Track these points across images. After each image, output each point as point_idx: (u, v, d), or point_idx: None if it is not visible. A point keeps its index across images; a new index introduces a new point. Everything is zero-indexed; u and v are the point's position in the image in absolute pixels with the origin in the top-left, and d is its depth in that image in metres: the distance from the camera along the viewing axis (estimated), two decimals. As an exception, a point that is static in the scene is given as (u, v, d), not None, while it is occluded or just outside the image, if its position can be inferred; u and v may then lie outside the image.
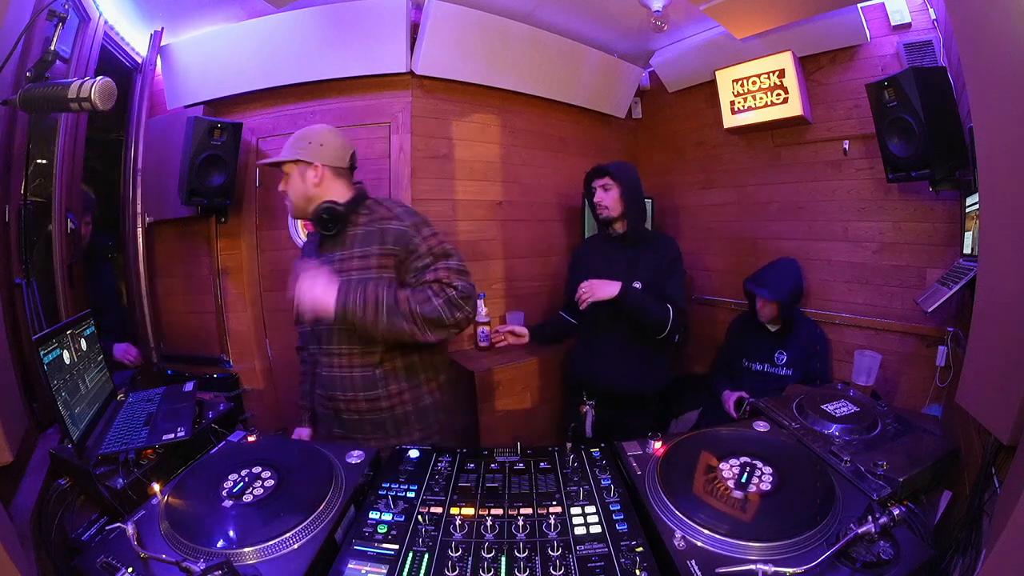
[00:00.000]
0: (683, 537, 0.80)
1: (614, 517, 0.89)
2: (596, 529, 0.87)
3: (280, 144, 2.53)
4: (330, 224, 1.48)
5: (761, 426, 1.16)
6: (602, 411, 2.10)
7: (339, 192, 1.51)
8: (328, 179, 1.50)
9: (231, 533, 0.83)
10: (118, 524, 0.83)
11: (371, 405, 1.48)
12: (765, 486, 0.90)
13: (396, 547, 0.83)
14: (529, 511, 0.92)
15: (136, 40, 2.40)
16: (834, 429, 1.13)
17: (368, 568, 0.78)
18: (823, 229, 2.52)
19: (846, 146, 2.38)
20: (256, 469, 0.97)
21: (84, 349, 1.38)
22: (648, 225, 3.22)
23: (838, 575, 0.73)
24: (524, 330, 2.06)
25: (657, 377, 2.13)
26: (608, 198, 2.07)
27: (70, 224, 1.89)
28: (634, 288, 1.96)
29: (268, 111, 2.54)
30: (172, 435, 1.22)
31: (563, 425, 2.14)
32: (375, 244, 1.43)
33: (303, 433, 1.64)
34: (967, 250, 1.75)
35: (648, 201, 3.24)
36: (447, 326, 1.37)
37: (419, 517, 0.89)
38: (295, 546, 0.81)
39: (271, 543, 0.81)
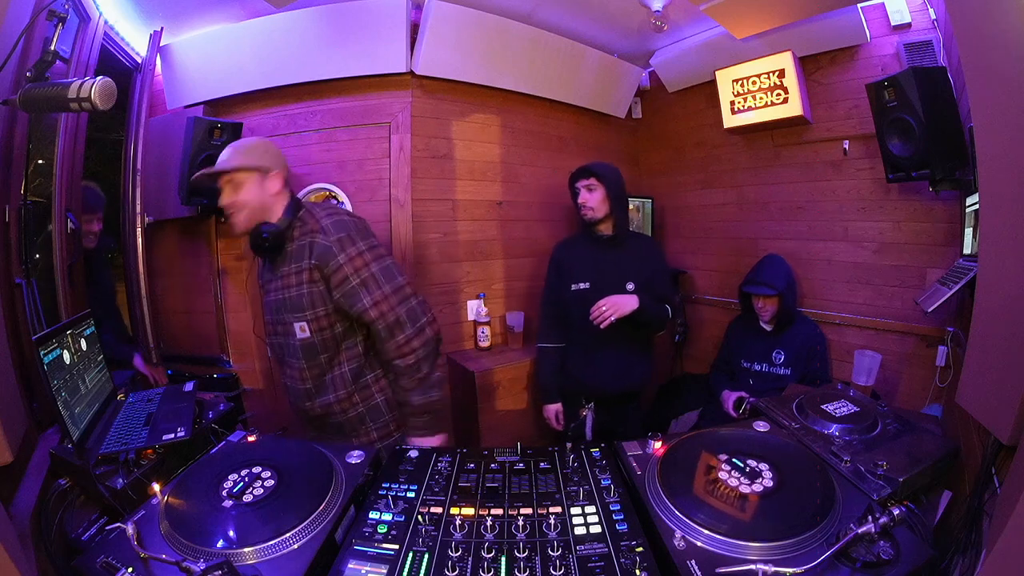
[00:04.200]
0: (683, 537, 0.80)
1: (614, 517, 0.89)
2: (596, 529, 0.86)
3: (280, 144, 2.51)
4: (269, 248, 1.44)
5: (761, 426, 1.16)
6: (600, 412, 2.10)
7: (283, 204, 1.47)
8: (283, 188, 1.47)
9: (231, 533, 0.83)
10: (118, 524, 0.83)
11: (325, 410, 1.51)
12: (765, 486, 0.90)
13: (396, 547, 0.83)
14: (529, 511, 0.92)
15: (136, 40, 2.40)
16: (834, 429, 1.13)
17: (368, 568, 0.78)
18: (823, 229, 2.52)
19: (846, 146, 2.38)
20: (256, 469, 0.97)
21: (84, 349, 1.38)
22: (648, 225, 3.25)
23: (838, 575, 0.73)
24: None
25: (651, 371, 2.20)
26: (592, 199, 2.06)
27: (70, 224, 1.89)
28: (645, 298, 1.96)
29: (268, 111, 2.54)
30: (172, 435, 1.22)
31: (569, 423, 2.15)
32: (304, 259, 1.41)
33: None
34: (967, 250, 1.75)
35: (648, 201, 3.25)
36: (434, 369, 1.49)
37: (419, 517, 0.89)
38: (295, 546, 0.81)
39: (271, 543, 0.80)
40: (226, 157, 1.43)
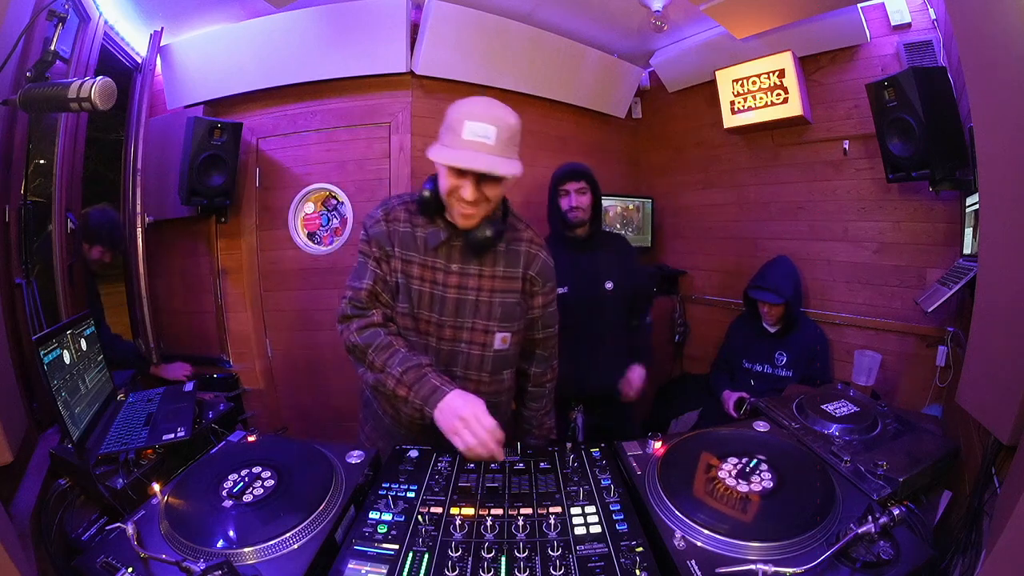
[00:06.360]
0: (683, 537, 0.80)
1: (614, 517, 0.89)
2: (596, 529, 0.86)
3: (280, 144, 2.58)
4: (488, 245, 1.23)
5: (761, 426, 1.16)
6: (590, 415, 2.10)
7: None
8: None
9: (231, 533, 0.83)
10: (118, 524, 0.83)
11: (491, 387, 1.32)
12: (765, 486, 0.90)
13: (396, 547, 0.83)
14: (529, 511, 0.92)
15: (136, 40, 2.40)
16: (834, 429, 1.13)
17: (368, 568, 0.78)
18: (823, 229, 2.52)
19: (846, 146, 2.38)
20: (256, 469, 0.97)
21: (84, 349, 1.38)
22: (649, 225, 3.25)
23: (838, 575, 0.73)
24: None
25: (637, 357, 2.19)
26: (585, 201, 2.04)
27: (70, 224, 1.89)
28: (646, 355, 2.07)
29: (268, 111, 2.54)
30: (172, 435, 1.22)
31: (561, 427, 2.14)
32: (520, 267, 1.29)
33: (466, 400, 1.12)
34: (967, 250, 1.75)
35: (648, 201, 3.26)
36: None
37: (419, 517, 0.89)
38: (295, 546, 0.81)
39: (271, 543, 0.80)
40: (491, 139, 1.12)
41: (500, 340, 1.28)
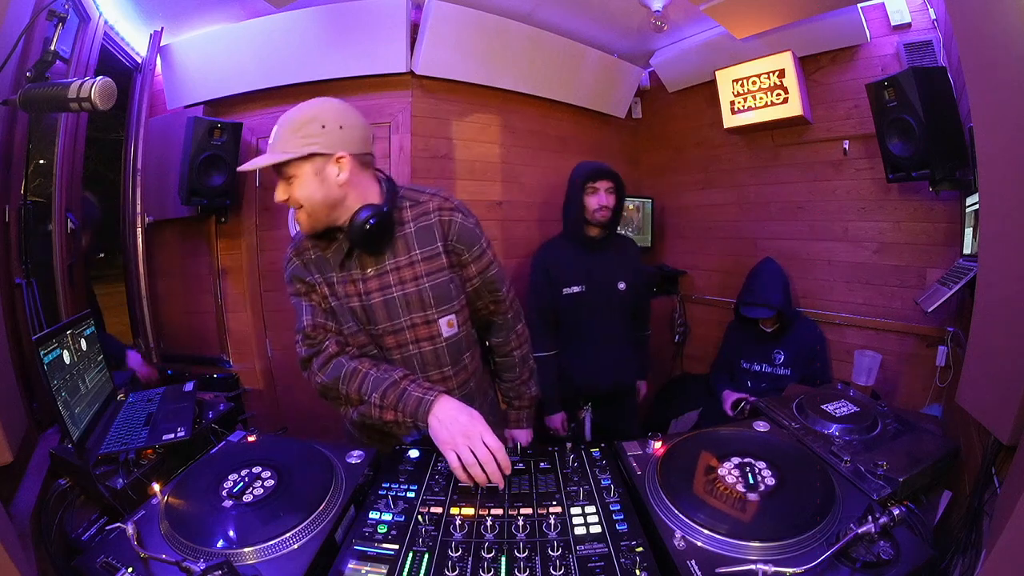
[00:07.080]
0: (683, 537, 0.80)
1: (614, 517, 0.89)
2: (596, 529, 0.86)
3: None
4: (382, 237, 1.16)
5: (761, 426, 1.16)
6: (596, 412, 2.11)
7: (369, 188, 1.17)
8: (356, 173, 1.13)
9: (231, 533, 0.83)
10: (118, 524, 0.83)
11: (459, 378, 1.29)
12: (765, 486, 0.90)
13: (396, 547, 0.83)
14: (529, 511, 0.92)
15: (136, 40, 2.40)
16: (834, 429, 1.13)
17: (368, 568, 0.78)
18: (823, 229, 2.52)
19: (846, 146, 2.38)
20: (256, 469, 0.97)
21: (84, 349, 1.38)
22: (649, 225, 3.26)
23: (838, 575, 0.73)
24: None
25: (641, 365, 2.27)
26: (611, 201, 2.07)
27: (70, 224, 1.89)
28: (647, 364, 2.25)
29: (268, 111, 2.54)
30: (172, 435, 1.22)
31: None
32: (439, 240, 1.21)
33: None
34: (967, 250, 1.75)
35: (648, 201, 3.26)
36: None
37: (419, 517, 0.89)
38: (295, 546, 0.81)
39: (271, 543, 0.80)
40: (272, 140, 1.11)
41: (446, 325, 1.22)
